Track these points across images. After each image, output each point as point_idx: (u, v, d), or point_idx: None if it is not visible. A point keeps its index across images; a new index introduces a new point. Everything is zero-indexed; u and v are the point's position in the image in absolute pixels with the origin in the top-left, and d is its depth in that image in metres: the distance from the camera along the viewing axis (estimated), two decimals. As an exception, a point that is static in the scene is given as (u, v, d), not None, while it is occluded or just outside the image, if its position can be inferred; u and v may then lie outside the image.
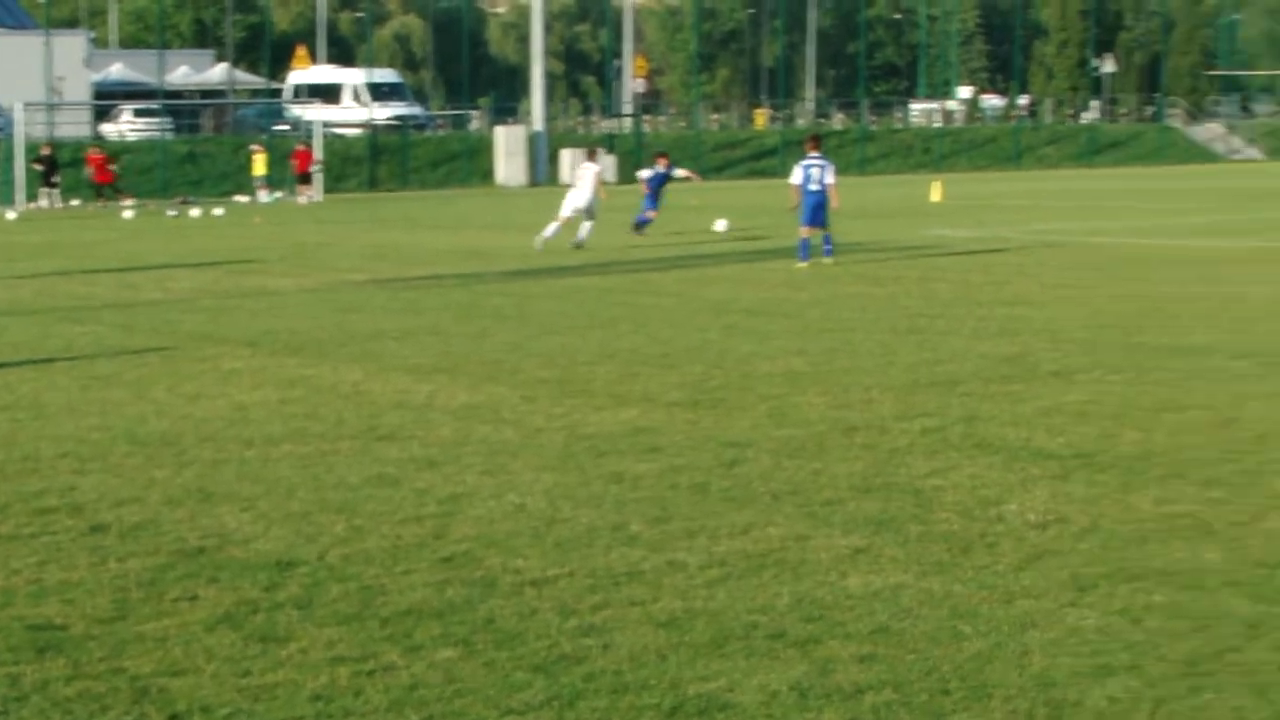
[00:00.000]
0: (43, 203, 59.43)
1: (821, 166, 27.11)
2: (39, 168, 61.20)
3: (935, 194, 53.62)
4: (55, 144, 64.30)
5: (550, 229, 31.32)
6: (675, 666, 6.91)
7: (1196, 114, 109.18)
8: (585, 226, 31.65)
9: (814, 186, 26.87)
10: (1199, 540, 8.80)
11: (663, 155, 37.00)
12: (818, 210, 26.87)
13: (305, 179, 63.13)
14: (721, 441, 11.79)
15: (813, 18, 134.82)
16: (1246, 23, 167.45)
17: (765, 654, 7.07)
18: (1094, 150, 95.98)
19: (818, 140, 28.69)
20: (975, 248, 31.28)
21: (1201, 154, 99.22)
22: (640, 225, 34.18)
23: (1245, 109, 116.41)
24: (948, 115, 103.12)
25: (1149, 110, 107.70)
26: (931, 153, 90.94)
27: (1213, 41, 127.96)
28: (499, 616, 7.63)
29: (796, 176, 27.38)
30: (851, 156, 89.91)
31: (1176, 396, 13.47)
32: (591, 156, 34.89)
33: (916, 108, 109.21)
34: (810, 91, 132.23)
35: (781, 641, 7.23)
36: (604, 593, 8.00)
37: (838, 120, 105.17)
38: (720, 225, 36.26)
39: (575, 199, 32.15)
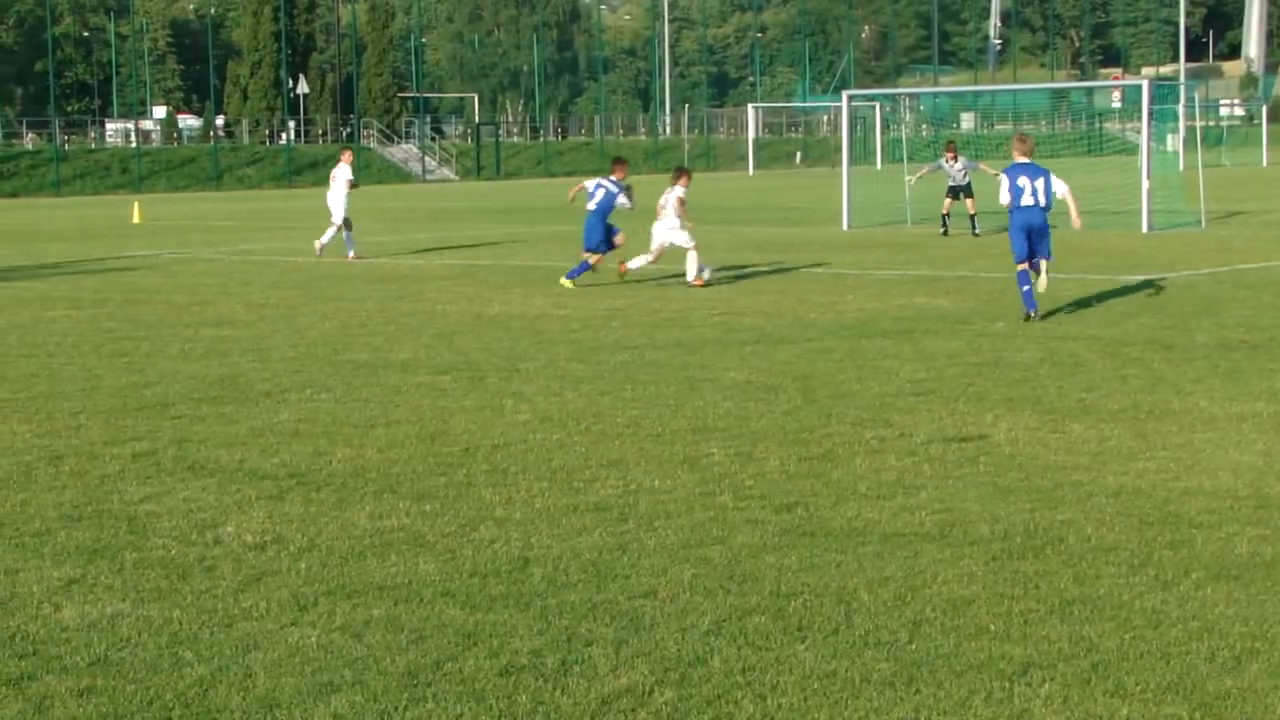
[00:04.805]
0: None
1: None
2: None
3: (136, 215, 52.84)
4: None
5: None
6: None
7: (391, 135, 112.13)
8: None
9: None
10: (414, 553, 8.99)
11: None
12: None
13: None
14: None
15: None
16: (433, 46, 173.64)
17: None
18: (293, 170, 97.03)
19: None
20: (178, 269, 30.96)
21: (397, 174, 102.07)
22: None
23: (437, 130, 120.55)
24: (145, 135, 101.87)
25: (345, 131, 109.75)
26: (130, 173, 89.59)
27: (403, 64, 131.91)
28: None
29: None
30: (45, 177, 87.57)
31: (385, 412, 13.74)
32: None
33: (112, 127, 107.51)
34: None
35: (-11, 683, 6.92)
36: None
37: (29, 140, 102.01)
38: None
39: None
